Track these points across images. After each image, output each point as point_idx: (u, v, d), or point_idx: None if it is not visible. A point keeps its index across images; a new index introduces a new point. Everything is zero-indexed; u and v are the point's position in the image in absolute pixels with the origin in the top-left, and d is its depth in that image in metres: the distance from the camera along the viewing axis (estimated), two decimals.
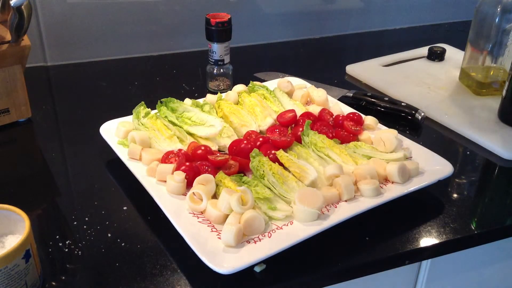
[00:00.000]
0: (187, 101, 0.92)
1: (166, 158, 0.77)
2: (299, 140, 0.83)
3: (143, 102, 0.89)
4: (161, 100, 0.89)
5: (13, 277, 0.55)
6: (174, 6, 1.29)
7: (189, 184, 0.72)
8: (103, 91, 1.12)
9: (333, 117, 0.91)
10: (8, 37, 0.89)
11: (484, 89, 1.09)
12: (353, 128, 0.87)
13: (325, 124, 0.88)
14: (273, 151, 0.78)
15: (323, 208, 0.69)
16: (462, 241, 0.73)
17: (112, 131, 0.85)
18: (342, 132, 0.87)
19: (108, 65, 1.26)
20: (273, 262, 0.63)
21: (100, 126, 0.85)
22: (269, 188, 0.72)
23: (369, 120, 0.90)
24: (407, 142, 0.85)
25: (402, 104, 1.01)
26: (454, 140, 0.96)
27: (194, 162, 0.76)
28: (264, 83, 1.01)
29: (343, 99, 1.04)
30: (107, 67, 1.25)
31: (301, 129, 0.83)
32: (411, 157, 0.82)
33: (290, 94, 0.99)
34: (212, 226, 0.66)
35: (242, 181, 0.73)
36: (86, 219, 0.72)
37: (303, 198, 0.67)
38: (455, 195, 0.81)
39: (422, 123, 1.00)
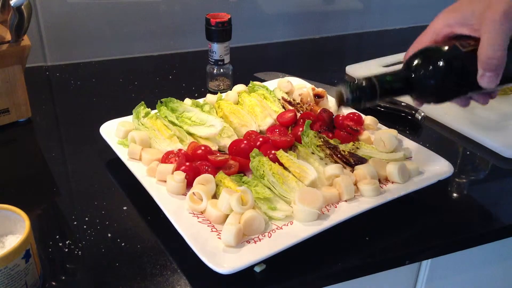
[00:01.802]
0: (187, 101, 0.92)
1: (166, 158, 0.77)
2: (299, 140, 0.83)
3: (143, 102, 0.89)
4: (161, 100, 0.89)
5: (13, 277, 0.55)
6: (174, 6, 1.29)
7: (189, 184, 0.72)
8: (103, 91, 1.12)
9: (333, 117, 0.91)
10: (8, 37, 0.89)
11: None
12: (353, 128, 0.87)
13: (325, 124, 0.88)
14: (273, 151, 0.78)
15: (323, 208, 0.69)
16: (462, 241, 0.73)
17: (112, 131, 0.85)
18: (342, 132, 0.87)
19: (108, 65, 1.26)
20: (273, 262, 0.63)
21: (100, 126, 0.85)
22: (269, 188, 0.72)
23: (369, 120, 0.90)
24: (407, 142, 0.85)
25: (402, 104, 1.01)
26: (454, 140, 0.96)
27: (194, 162, 0.76)
28: (264, 83, 1.01)
29: None
30: (107, 67, 1.25)
31: (301, 129, 0.83)
32: (411, 157, 0.82)
33: (290, 94, 0.99)
34: (212, 226, 0.66)
35: (242, 181, 0.73)
36: (86, 219, 0.72)
37: (303, 198, 0.67)
38: (455, 195, 0.81)
39: (422, 123, 1.00)
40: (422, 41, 0.70)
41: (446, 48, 0.67)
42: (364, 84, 0.65)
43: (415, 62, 0.67)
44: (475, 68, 0.65)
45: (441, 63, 0.66)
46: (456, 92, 0.70)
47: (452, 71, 0.66)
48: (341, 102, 0.66)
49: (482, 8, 0.65)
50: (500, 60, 0.64)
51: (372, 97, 0.66)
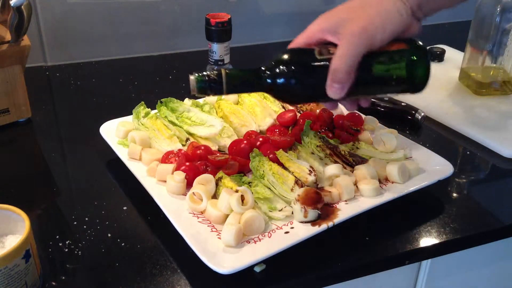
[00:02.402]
0: (187, 101, 0.92)
1: (166, 158, 0.77)
2: (299, 140, 0.83)
3: (143, 102, 0.89)
4: (161, 100, 0.88)
5: (13, 277, 0.55)
6: (174, 6, 1.29)
7: (189, 184, 0.72)
8: (103, 91, 1.12)
9: (333, 117, 0.91)
10: (8, 37, 0.89)
11: (484, 89, 1.09)
12: (353, 128, 0.87)
13: (325, 124, 0.88)
14: (273, 151, 0.78)
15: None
16: (462, 241, 0.73)
17: (112, 131, 0.85)
18: (342, 132, 0.87)
19: (108, 65, 1.26)
20: (273, 262, 0.63)
21: (100, 126, 0.85)
22: (269, 188, 0.72)
23: (369, 120, 0.90)
24: (407, 142, 0.85)
25: (402, 104, 1.01)
26: (454, 140, 0.96)
27: (194, 162, 0.76)
28: None
29: None
30: (107, 67, 1.25)
31: (301, 129, 0.83)
32: (411, 157, 0.82)
33: None
34: (212, 226, 0.66)
35: (242, 181, 0.73)
36: (86, 219, 0.72)
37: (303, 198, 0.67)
38: (455, 195, 0.81)
39: (422, 123, 1.00)
40: (296, 43, 0.69)
41: (303, 52, 0.68)
42: (212, 76, 0.65)
43: (271, 61, 0.67)
44: (324, 76, 0.65)
45: (287, 66, 0.66)
46: (304, 97, 0.70)
47: (297, 75, 0.66)
48: (191, 90, 0.66)
49: (348, 18, 0.65)
50: (346, 73, 0.63)
51: (218, 90, 0.66)
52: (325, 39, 0.67)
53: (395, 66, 0.67)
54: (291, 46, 0.70)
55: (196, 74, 0.65)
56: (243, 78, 0.68)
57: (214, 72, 0.65)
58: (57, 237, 0.68)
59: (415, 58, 0.67)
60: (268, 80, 0.67)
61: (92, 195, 0.77)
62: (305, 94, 0.69)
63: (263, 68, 0.67)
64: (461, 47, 1.24)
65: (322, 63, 0.65)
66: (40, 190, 0.80)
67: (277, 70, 0.66)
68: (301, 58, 0.67)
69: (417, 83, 0.69)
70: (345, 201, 0.71)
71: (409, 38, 0.68)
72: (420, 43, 0.69)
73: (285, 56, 0.67)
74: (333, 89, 0.65)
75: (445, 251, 0.73)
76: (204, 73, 0.65)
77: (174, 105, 0.88)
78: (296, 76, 0.66)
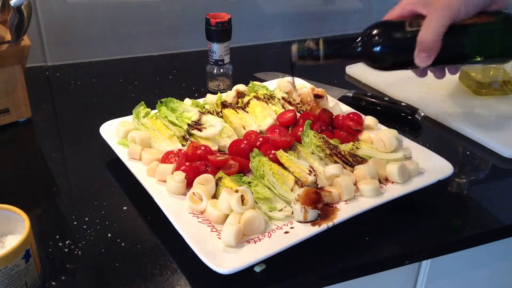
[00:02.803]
0: (187, 101, 0.92)
1: (166, 158, 0.77)
2: (299, 140, 0.83)
3: (143, 102, 0.89)
4: (161, 100, 0.89)
5: (13, 277, 0.55)
6: (174, 6, 1.30)
7: (189, 184, 0.72)
8: (103, 91, 1.12)
9: (333, 117, 0.91)
10: (8, 37, 0.89)
11: (484, 89, 1.09)
12: (353, 128, 0.87)
13: (325, 124, 0.88)
14: (273, 151, 0.78)
15: None
16: (462, 241, 0.73)
17: (112, 131, 0.85)
18: (342, 132, 0.87)
19: (108, 65, 1.26)
20: (273, 262, 0.63)
21: (100, 126, 0.85)
22: (269, 188, 0.72)
23: (369, 120, 0.90)
24: (407, 142, 0.85)
25: (402, 104, 1.01)
26: (454, 140, 0.96)
27: (194, 162, 0.76)
28: (264, 83, 1.01)
29: (343, 99, 1.04)
30: (107, 67, 1.25)
31: (301, 129, 0.83)
32: (411, 157, 0.82)
33: (290, 94, 0.99)
34: (212, 226, 0.66)
35: (242, 181, 0.73)
36: (86, 219, 0.72)
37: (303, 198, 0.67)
38: (455, 195, 0.81)
39: (422, 123, 1.00)
40: (391, 15, 0.77)
41: (395, 24, 0.75)
42: (311, 45, 0.76)
43: (365, 31, 0.75)
44: (413, 46, 0.73)
45: (380, 36, 0.74)
46: (394, 64, 0.78)
47: (388, 45, 0.75)
48: (292, 59, 0.77)
49: None
50: (432, 44, 0.71)
51: (316, 57, 0.77)
52: (416, 11, 0.74)
53: (480, 36, 0.73)
54: (385, 18, 0.77)
55: (298, 43, 0.76)
56: (339, 46, 0.76)
57: (313, 41, 0.76)
58: (57, 237, 0.68)
59: (501, 29, 0.73)
60: (362, 49, 0.75)
61: (92, 195, 0.77)
62: (395, 62, 0.77)
63: (358, 38, 0.75)
64: None
65: (411, 34, 0.73)
66: (40, 190, 0.80)
67: (371, 40, 0.74)
68: (393, 29, 0.75)
69: (502, 53, 0.75)
70: (345, 201, 0.71)
71: (496, 10, 0.73)
72: (507, 14, 0.73)
73: (379, 27, 0.75)
74: (420, 58, 0.73)
75: (445, 251, 0.73)
76: (305, 43, 0.76)
77: (174, 105, 0.88)
78: (387, 45, 0.74)
